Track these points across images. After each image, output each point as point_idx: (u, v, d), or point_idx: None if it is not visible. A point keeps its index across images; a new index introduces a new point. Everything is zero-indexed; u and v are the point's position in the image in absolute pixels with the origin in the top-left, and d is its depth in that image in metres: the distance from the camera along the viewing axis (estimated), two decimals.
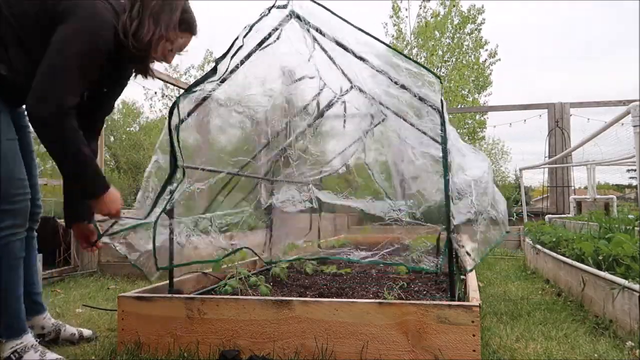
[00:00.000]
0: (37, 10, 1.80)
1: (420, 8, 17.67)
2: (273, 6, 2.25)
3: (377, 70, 2.21)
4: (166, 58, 2.04)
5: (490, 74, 18.14)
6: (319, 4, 2.21)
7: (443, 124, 2.07)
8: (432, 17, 17.52)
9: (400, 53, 2.30)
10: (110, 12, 1.85)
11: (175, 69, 19.78)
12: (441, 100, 2.09)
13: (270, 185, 3.55)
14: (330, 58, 2.62)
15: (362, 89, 2.88)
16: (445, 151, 2.06)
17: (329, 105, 3.43)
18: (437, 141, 2.27)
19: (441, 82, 2.13)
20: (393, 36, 18.09)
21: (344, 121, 3.48)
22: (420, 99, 2.12)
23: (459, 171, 2.32)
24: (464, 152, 2.45)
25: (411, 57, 17.15)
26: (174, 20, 1.96)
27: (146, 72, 2.06)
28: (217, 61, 2.15)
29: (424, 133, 2.47)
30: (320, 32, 2.25)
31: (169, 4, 1.94)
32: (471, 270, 2.35)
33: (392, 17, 17.88)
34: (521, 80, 41.31)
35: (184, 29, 2.02)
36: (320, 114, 3.42)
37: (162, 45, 1.97)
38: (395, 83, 2.16)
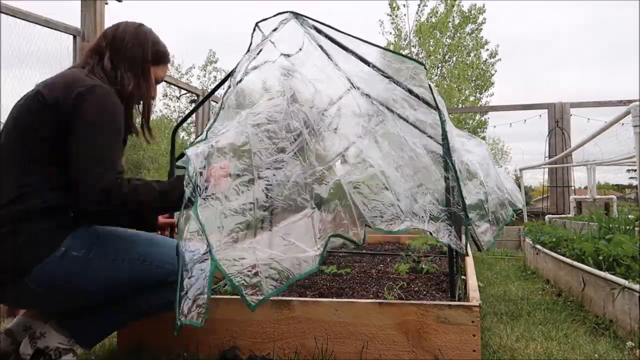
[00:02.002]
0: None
1: (419, 7, 17.63)
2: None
3: (375, 69, 2.22)
4: (152, 96, 1.95)
5: (492, 74, 18.14)
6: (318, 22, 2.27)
7: (437, 107, 2.12)
8: (432, 16, 17.47)
9: (383, 48, 2.33)
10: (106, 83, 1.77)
11: (177, 69, 19.81)
12: (429, 85, 2.14)
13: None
14: (329, 56, 2.63)
15: (362, 89, 2.88)
16: (444, 130, 2.08)
17: (330, 105, 3.43)
18: (432, 138, 2.29)
19: (425, 69, 2.16)
20: (390, 33, 18.09)
21: (341, 121, 3.48)
22: (409, 91, 2.15)
23: (464, 152, 2.33)
24: (462, 139, 2.47)
25: (410, 55, 17.19)
26: (147, 59, 1.88)
27: (146, 118, 1.97)
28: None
29: (419, 129, 2.49)
30: (322, 33, 2.27)
31: (137, 43, 1.86)
32: (489, 248, 2.37)
33: (390, 15, 17.85)
34: (522, 80, 41.31)
35: (158, 62, 1.94)
36: (321, 114, 3.42)
37: (143, 88, 1.89)
38: (396, 83, 2.18)
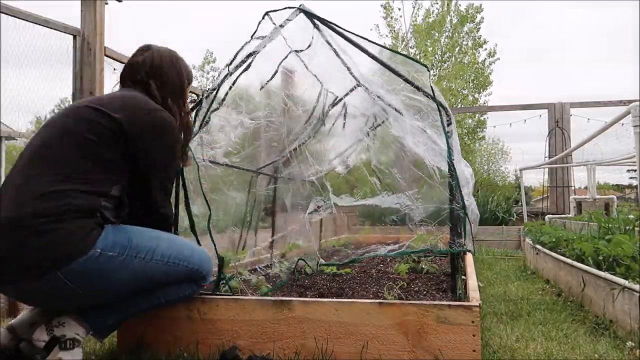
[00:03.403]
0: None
1: (414, 8, 17.65)
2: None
3: (383, 65, 2.22)
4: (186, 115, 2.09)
5: (490, 73, 18.08)
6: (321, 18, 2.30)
7: (444, 107, 2.15)
8: (426, 17, 17.46)
9: (388, 48, 2.35)
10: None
11: None
12: (431, 87, 2.19)
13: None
14: (338, 55, 2.63)
15: (367, 88, 2.88)
16: (446, 134, 2.08)
17: (333, 104, 3.43)
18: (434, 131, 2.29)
19: (429, 70, 2.18)
20: (387, 36, 18.07)
21: (344, 121, 3.48)
22: (417, 87, 2.17)
23: (460, 162, 2.35)
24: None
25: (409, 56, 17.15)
26: (185, 83, 2.03)
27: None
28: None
29: (424, 131, 2.50)
30: (330, 27, 2.29)
31: (175, 71, 2.00)
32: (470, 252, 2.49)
33: (386, 17, 17.84)
34: (522, 80, 41.29)
35: (190, 83, 2.09)
36: (325, 113, 3.42)
37: (183, 115, 2.04)
38: (406, 80, 2.18)
